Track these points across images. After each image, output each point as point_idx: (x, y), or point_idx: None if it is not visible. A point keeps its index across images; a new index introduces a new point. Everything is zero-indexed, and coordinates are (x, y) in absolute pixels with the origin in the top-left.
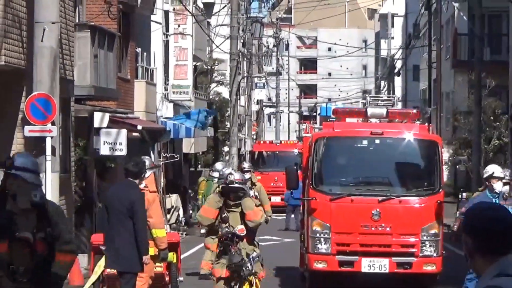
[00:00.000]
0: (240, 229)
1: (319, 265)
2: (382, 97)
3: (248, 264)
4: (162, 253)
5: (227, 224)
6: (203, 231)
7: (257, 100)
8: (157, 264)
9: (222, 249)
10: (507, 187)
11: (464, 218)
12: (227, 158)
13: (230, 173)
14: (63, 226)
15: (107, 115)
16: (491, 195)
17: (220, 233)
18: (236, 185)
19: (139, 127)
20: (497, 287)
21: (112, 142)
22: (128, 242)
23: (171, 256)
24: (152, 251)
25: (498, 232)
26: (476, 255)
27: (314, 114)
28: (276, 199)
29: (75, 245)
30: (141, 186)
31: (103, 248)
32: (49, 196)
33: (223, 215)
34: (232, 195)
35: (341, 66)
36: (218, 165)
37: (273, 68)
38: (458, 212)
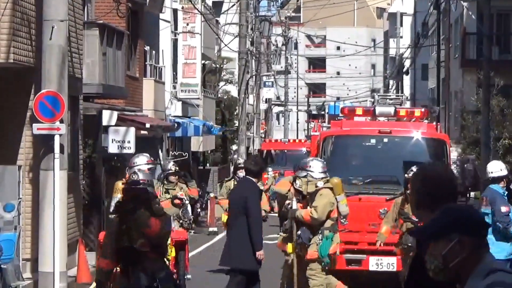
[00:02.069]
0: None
1: None
2: (390, 96)
3: None
4: None
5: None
6: (211, 229)
7: (266, 99)
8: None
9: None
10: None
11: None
12: (235, 156)
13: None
14: None
15: (115, 113)
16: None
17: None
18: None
19: (148, 125)
20: (501, 282)
21: (120, 140)
22: (240, 239)
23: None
24: None
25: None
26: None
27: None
28: None
29: None
30: None
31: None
32: (57, 194)
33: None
34: None
35: (349, 65)
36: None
37: (281, 67)
38: None
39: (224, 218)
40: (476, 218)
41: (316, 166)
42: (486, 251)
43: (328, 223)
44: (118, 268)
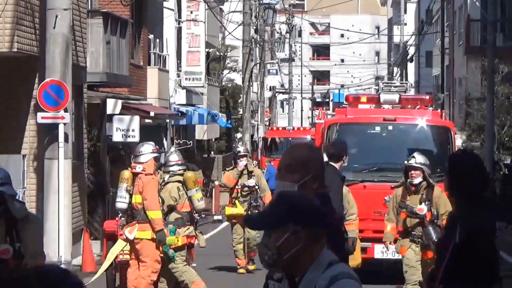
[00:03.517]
0: None
1: None
2: (395, 83)
3: None
4: (158, 235)
5: None
6: (216, 217)
7: (270, 87)
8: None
9: None
10: None
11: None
12: (239, 144)
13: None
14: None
15: (119, 102)
16: None
17: None
18: None
19: (152, 114)
20: (346, 273)
21: (124, 129)
22: None
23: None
24: (150, 234)
25: None
26: None
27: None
28: None
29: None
30: (139, 169)
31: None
32: (62, 183)
33: None
34: None
35: (353, 52)
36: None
37: (286, 55)
38: None
39: (228, 211)
40: (313, 208)
41: (173, 160)
42: (323, 244)
43: (173, 216)
44: None
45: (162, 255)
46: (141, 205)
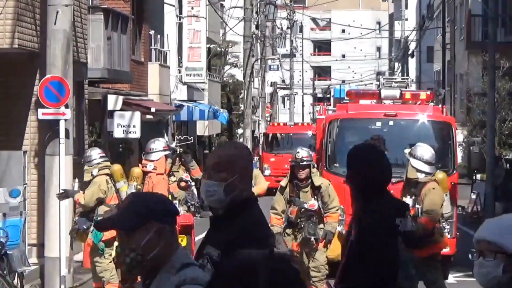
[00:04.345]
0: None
1: None
2: (396, 78)
3: None
4: None
5: None
6: None
7: (271, 82)
8: None
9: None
10: None
11: None
12: (241, 140)
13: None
14: None
15: (120, 98)
16: None
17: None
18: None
19: (153, 110)
20: (194, 278)
21: (126, 125)
22: None
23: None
24: None
25: None
26: None
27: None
28: None
29: None
30: (150, 168)
31: None
32: (62, 179)
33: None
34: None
35: (355, 48)
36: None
37: (287, 50)
38: (472, 193)
39: None
40: (170, 206)
41: (93, 154)
42: (178, 244)
43: (102, 209)
44: None
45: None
46: None
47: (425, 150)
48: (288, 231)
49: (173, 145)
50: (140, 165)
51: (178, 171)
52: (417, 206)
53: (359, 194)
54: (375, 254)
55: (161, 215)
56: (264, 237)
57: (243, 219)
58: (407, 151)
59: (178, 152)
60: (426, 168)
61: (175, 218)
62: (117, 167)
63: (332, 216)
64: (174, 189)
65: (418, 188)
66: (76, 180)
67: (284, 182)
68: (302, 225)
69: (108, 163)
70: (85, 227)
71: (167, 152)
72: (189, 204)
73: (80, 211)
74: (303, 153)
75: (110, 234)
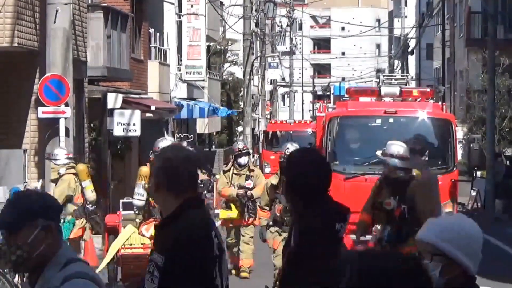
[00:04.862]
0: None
1: None
2: (395, 76)
3: None
4: None
5: None
6: (217, 211)
7: (271, 80)
8: None
9: None
10: None
11: None
12: (241, 138)
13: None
14: None
15: (120, 96)
16: None
17: None
18: None
19: (153, 108)
20: (81, 272)
21: (126, 123)
22: None
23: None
24: None
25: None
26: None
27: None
28: None
29: None
30: None
31: None
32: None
33: None
34: None
35: (354, 45)
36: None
37: (286, 48)
38: (472, 190)
39: (223, 214)
40: (54, 202)
41: (60, 153)
42: (62, 241)
43: (70, 207)
44: None
45: None
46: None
47: (398, 147)
48: (272, 229)
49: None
50: (147, 164)
51: None
52: (403, 206)
53: (298, 199)
54: (313, 261)
55: (45, 212)
56: (198, 239)
57: (179, 224)
58: (379, 152)
59: None
60: (405, 164)
61: (59, 214)
62: (82, 167)
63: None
64: None
65: (400, 187)
66: (40, 181)
67: (275, 180)
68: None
69: (73, 164)
70: None
71: None
72: None
73: None
74: (292, 148)
75: (74, 234)
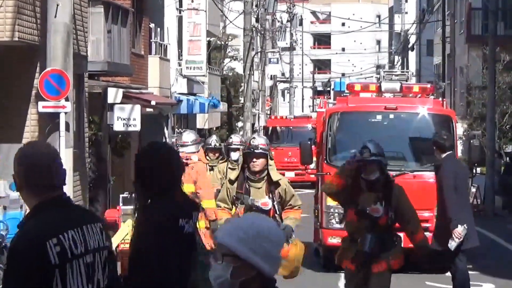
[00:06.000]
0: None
1: (333, 240)
2: (396, 72)
3: None
4: (212, 224)
5: None
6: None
7: (271, 76)
8: None
9: None
10: None
11: None
12: (241, 133)
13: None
14: None
15: (120, 91)
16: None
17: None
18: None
19: (153, 103)
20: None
21: (126, 118)
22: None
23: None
24: (203, 223)
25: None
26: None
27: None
28: (290, 174)
29: None
30: (195, 159)
31: None
32: None
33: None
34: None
35: (354, 41)
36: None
37: (286, 43)
38: (472, 187)
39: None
40: None
41: None
42: None
43: None
44: None
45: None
46: (192, 194)
47: (377, 146)
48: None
49: (212, 139)
50: None
51: (216, 165)
52: (390, 213)
53: (143, 192)
54: (147, 255)
55: None
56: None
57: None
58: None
59: (216, 147)
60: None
61: None
62: None
63: (295, 211)
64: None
65: (380, 190)
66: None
67: (234, 174)
68: None
69: None
70: None
71: (201, 144)
72: None
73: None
74: (260, 140)
75: None
